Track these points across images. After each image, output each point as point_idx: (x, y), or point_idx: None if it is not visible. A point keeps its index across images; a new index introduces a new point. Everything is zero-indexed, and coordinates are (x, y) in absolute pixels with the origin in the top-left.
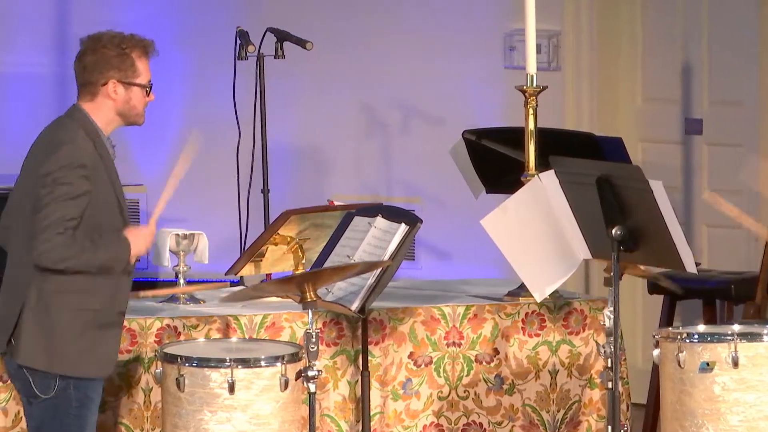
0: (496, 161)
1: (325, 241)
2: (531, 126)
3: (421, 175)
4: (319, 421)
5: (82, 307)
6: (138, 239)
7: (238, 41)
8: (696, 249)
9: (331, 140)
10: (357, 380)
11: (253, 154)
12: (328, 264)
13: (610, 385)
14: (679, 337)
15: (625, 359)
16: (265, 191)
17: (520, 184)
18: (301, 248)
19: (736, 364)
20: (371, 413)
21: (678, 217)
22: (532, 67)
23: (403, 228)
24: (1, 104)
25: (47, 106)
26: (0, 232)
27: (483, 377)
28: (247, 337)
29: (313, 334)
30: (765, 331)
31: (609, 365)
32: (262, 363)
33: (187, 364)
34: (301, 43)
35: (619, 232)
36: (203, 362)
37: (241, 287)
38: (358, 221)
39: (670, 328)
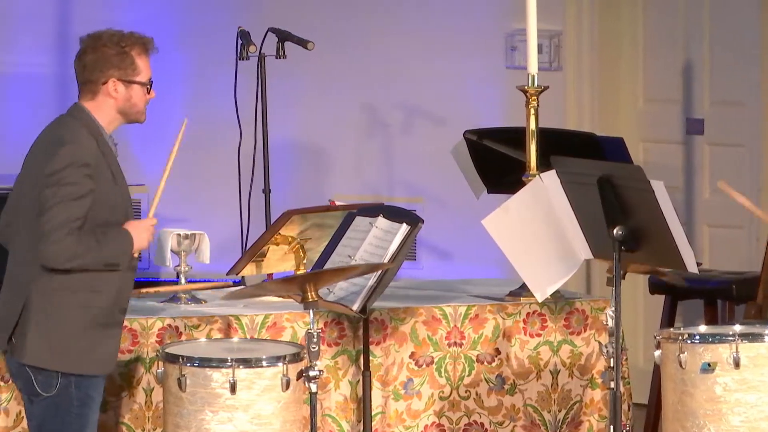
0: (497, 161)
1: (326, 241)
2: (532, 126)
3: (423, 175)
4: (320, 421)
5: (87, 305)
6: (139, 232)
7: (240, 41)
8: (697, 249)
9: (333, 140)
10: (358, 380)
11: (254, 154)
12: (329, 264)
13: (611, 385)
14: (680, 337)
15: (627, 359)
16: (267, 191)
17: (522, 184)
18: (302, 248)
19: (737, 364)
20: (372, 413)
21: (679, 217)
22: (533, 67)
23: (404, 228)
24: (1, 104)
25: (48, 106)
26: (1, 230)
27: (484, 377)
28: (248, 337)
29: (315, 334)
30: (766, 332)
31: (611, 365)
32: (264, 363)
33: (188, 364)
34: (302, 43)
35: (620, 232)
36: (205, 362)
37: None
38: (360, 221)
39: (672, 329)
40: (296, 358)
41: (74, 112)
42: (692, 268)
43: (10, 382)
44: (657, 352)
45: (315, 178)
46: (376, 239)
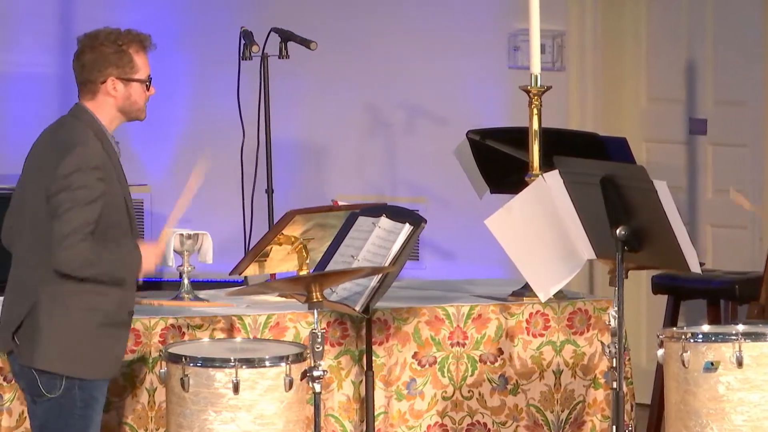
0: (500, 161)
1: (329, 241)
2: (535, 126)
3: (426, 175)
4: (323, 421)
5: (96, 308)
6: (149, 255)
7: (242, 41)
8: (700, 249)
9: (336, 140)
10: (361, 380)
11: (257, 154)
12: (332, 264)
13: (614, 385)
14: (683, 337)
15: (629, 359)
16: (270, 191)
17: (525, 184)
18: (305, 248)
19: (740, 363)
20: (375, 413)
21: (682, 217)
22: (536, 67)
23: (407, 228)
24: (3, 104)
25: (50, 106)
26: (5, 233)
27: (487, 377)
28: (251, 337)
29: (319, 334)
30: None
31: (613, 365)
32: (267, 363)
33: (191, 364)
34: (305, 43)
35: (623, 233)
36: (208, 362)
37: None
38: (363, 221)
39: (675, 328)
40: (299, 358)
41: (76, 112)
42: (695, 268)
43: (13, 382)
44: (660, 352)
45: (318, 177)
46: (379, 239)
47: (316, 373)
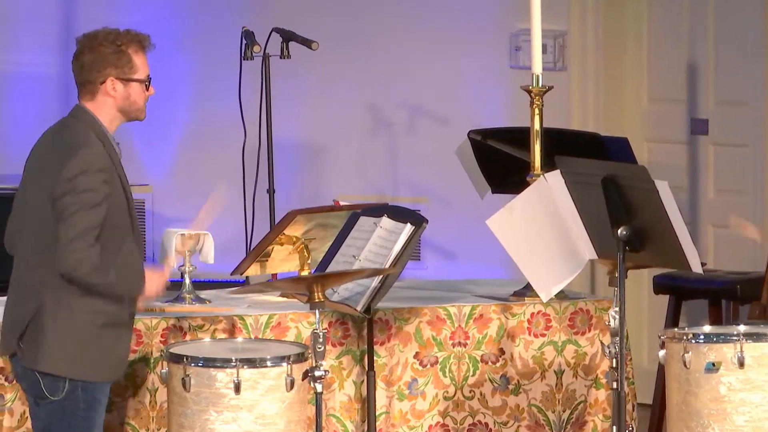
0: (501, 161)
1: (330, 241)
2: (536, 126)
3: (427, 175)
4: (324, 421)
5: (99, 311)
6: (152, 281)
7: (244, 41)
8: (702, 249)
9: (337, 140)
10: (362, 380)
11: (258, 154)
12: (333, 264)
13: (614, 385)
14: (684, 337)
15: (631, 359)
16: (271, 191)
17: (526, 184)
18: (306, 248)
19: (741, 364)
20: (377, 413)
21: (684, 217)
22: (537, 67)
23: (408, 228)
24: (5, 104)
25: (51, 106)
26: (7, 237)
27: (489, 377)
28: (252, 337)
29: (320, 334)
30: None
31: (614, 365)
32: (268, 363)
33: (192, 364)
34: (306, 43)
35: (624, 233)
36: (209, 362)
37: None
38: (364, 221)
39: (676, 329)
40: (300, 358)
41: (77, 113)
42: (697, 268)
43: (14, 382)
44: (661, 352)
45: (319, 177)
46: (380, 239)
47: (317, 373)
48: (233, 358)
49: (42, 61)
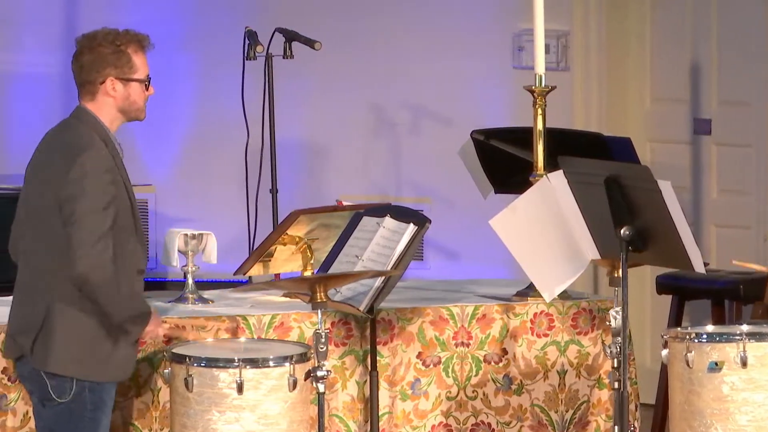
0: (504, 161)
1: (333, 241)
2: (539, 126)
3: (430, 175)
4: (327, 421)
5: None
6: (155, 322)
7: (247, 41)
8: (704, 249)
9: (340, 140)
10: (365, 380)
11: (261, 154)
12: (336, 264)
13: (618, 385)
14: (687, 337)
15: (634, 359)
16: (274, 191)
17: (529, 185)
18: (309, 248)
19: (744, 364)
20: (380, 413)
21: (687, 218)
22: (540, 67)
23: (411, 228)
24: (8, 104)
25: (54, 107)
26: (11, 244)
27: (491, 377)
28: (255, 337)
29: (323, 334)
30: None
31: (617, 365)
32: (271, 363)
33: (195, 365)
34: (309, 43)
35: (627, 233)
36: (212, 362)
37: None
38: (367, 221)
39: (679, 329)
40: (303, 358)
41: (79, 114)
42: (699, 268)
43: (17, 382)
44: (664, 352)
45: (322, 177)
46: (383, 239)
47: (320, 373)
48: (236, 358)
49: (44, 61)
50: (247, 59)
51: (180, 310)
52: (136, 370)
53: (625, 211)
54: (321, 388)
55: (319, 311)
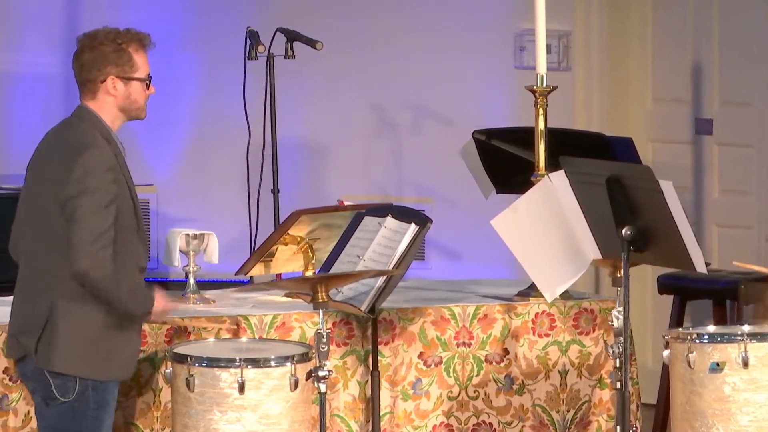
0: (506, 161)
1: (335, 241)
2: (541, 126)
3: (431, 175)
4: (328, 421)
5: (109, 310)
6: (160, 305)
7: (248, 41)
8: (706, 249)
9: (341, 140)
10: (367, 380)
11: (263, 154)
12: (338, 264)
13: (619, 385)
14: (689, 337)
15: (635, 359)
16: (275, 191)
17: (530, 185)
18: (311, 248)
19: (746, 364)
20: (381, 413)
21: (688, 218)
22: (542, 67)
23: (413, 228)
24: (9, 104)
25: (55, 107)
26: (12, 244)
27: (493, 377)
28: (257, 337)
29: (324, 334)
30: None
31: (618, 365)
32: (272, 363)
33: (197, 364)
34: (311, 43)
35: (629, 233)
36: (213, 362)
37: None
38: (368, 221)
39: (680, 329)
40: (305, 358)
41: (81, 114)
42: (701, 268)
43: (19, 381)
44: (666, 352)
45: (323, 177)
46: (384, 239)
47: (321, 373)
48: (237, 358)
49: (46, 61)
50: (248, 59)
51: (181, 310)
52: (137, 370)
53: (627, 211)
54: (322, 388)
55: (320, 311)
